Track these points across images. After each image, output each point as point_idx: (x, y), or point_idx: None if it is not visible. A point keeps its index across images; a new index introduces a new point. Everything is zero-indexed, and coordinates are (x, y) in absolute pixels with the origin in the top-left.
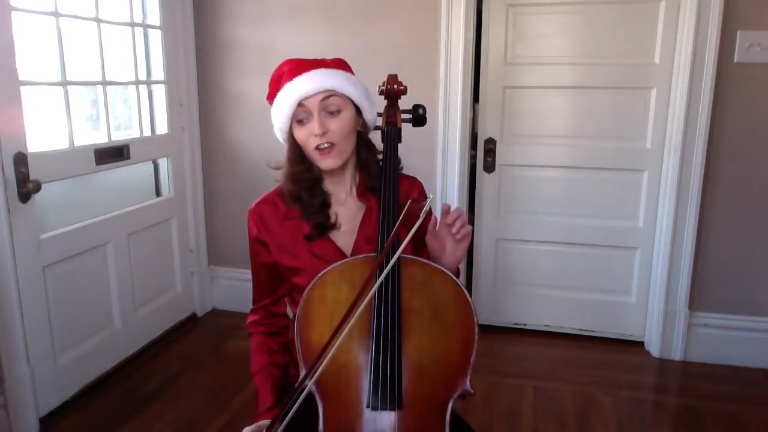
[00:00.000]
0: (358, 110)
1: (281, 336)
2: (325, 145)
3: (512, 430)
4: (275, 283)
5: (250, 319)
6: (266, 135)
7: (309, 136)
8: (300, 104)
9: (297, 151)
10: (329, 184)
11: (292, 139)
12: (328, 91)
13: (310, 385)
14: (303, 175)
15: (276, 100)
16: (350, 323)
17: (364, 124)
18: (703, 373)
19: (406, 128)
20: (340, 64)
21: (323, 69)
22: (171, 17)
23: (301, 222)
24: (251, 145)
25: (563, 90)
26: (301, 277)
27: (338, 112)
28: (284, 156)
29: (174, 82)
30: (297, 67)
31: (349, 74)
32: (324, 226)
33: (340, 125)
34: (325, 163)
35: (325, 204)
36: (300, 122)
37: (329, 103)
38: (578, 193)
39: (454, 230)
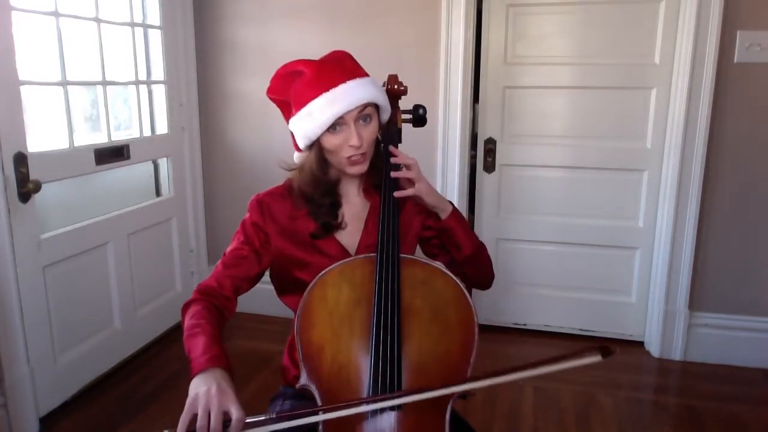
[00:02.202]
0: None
1: (224, 319)
2: (359, 157)
3: (512, 430)
4: (248, 278)
5: (201, 287)
6: (266, 135)
7: (343, 145)
8: (339, 117)
9: (323, 160)
10: (343, 185)
11: (318, 146)
12: (367, 104)
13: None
14: (325, 181)
15: (307, 112)
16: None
17: (380, 123)
18: (703, 373)
19: (406, 128)
20: (356, 64)
21: (358, 80)
22: (171, 17)
23: (307, 220)
24: (251, 145)
25: (563, 90)
26: (304, 272)
27: (370, 119)
28: (306, 160)
29: (174, 82)
30: (322, 73)
31: (374, 79)
32: (331, 225)
33: (371, 133)
34: (354, 170)
35: (335, 204)
36: (331, 130)
37: (364, 113)
38: (578, 193)
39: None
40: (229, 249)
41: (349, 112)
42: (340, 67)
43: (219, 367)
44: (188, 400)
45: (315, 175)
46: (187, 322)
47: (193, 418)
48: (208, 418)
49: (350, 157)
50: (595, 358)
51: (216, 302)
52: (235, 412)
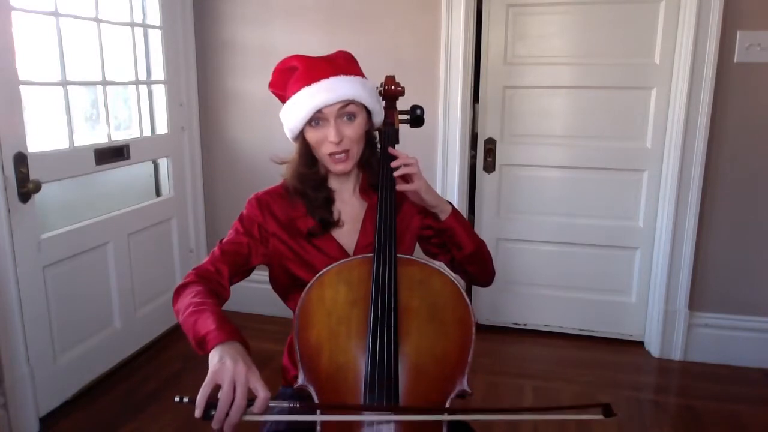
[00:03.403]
0: (368, 112)
1: (221, 306)
2: (342, 155)
3: (512, 430)
4: (243, 269)
5: (199, 271)
6: (266, 135)
7: (323, 141)
8: (317, 111)
9: (307, 152)
10: (334, 182)
11: (303, 139)
12: (347, 100)
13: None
14: (311, 176)
15: (291, 104)
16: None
17: (372, 124)
18: (703, 373)
19: (406, 129)
20: (350, 63)
21: (342, 76)
22: (171, 17)
23: (305, 219)
24: (251, 145)
25: (563, 90)
26: (304, 271)
27: (353, 117)
28: (293, 154)
29: (174, 82)
30: (311, 68)
31: (363, 79)
32: (327, 222)
33: (355, 131)
34: (337, 168)
35: (329, 200)
36: (313, 124)
37: (346, 111)
38: (578, 193)
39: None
40: (226, 239)
41: (327, 106)
42: (330, 64)
43: (239, 342)
44: (212, 371)
45: (298, 168)
46: (189, 299)
47: (214, 390)
48: (232, 391)
49: (331, 154)
50: (596, 416)
51: (213, 287)
52: (261, 391)
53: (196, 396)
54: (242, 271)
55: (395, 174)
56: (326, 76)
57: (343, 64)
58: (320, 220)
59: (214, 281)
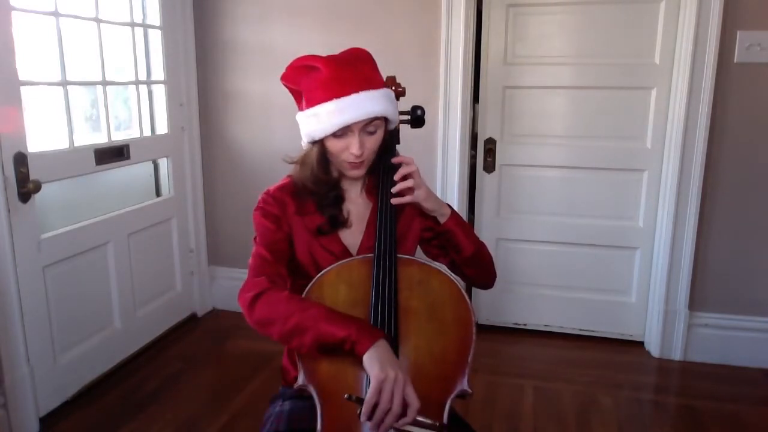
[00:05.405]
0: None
1: None
2: (359, 162)
3: (512, 430)
4: (287, 262)
5: (268, 275)
6: (266, 134)
7: (344, 150)
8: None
9: (325, 159)
10: (344, 182)
11: (321, 145)
12: (375, 117)
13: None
14: (326, 181)
15: (315, 113)
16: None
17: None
18: (703, 373)
19: (406, 128)
20: (374, 71)
21: (370, 92)
22: (171, 17)
23: (313, 218)
24: (251, 145)
25: (563, 90)
26: (309, 260)
27: (376, 130)
28: (306, 156)
29: (174, 82)
30: (338, 78)
31: (386, 90)
32: (337, 219)
33: (375, 143)
34: (352, 173)
35: (339, 198)
36: (336, 134)
37: (372, 125)
38: (578, 193)
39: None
40: (263, 240)
41: (355, 123)
42: (355, 74)
43: (384, 338)
44: (377, 379)
45: (315, 173)
46: (288, 304)
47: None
48: (391, 400)
49: (349, 162)
50: None
51: (286, 287)
52: (414, 403)
53: (362, 396)
54: (287, 265)
55: (393, 190)
56: (355, 90)
57: (368, 74)
58: (330, 218)
59: (281, 282)
